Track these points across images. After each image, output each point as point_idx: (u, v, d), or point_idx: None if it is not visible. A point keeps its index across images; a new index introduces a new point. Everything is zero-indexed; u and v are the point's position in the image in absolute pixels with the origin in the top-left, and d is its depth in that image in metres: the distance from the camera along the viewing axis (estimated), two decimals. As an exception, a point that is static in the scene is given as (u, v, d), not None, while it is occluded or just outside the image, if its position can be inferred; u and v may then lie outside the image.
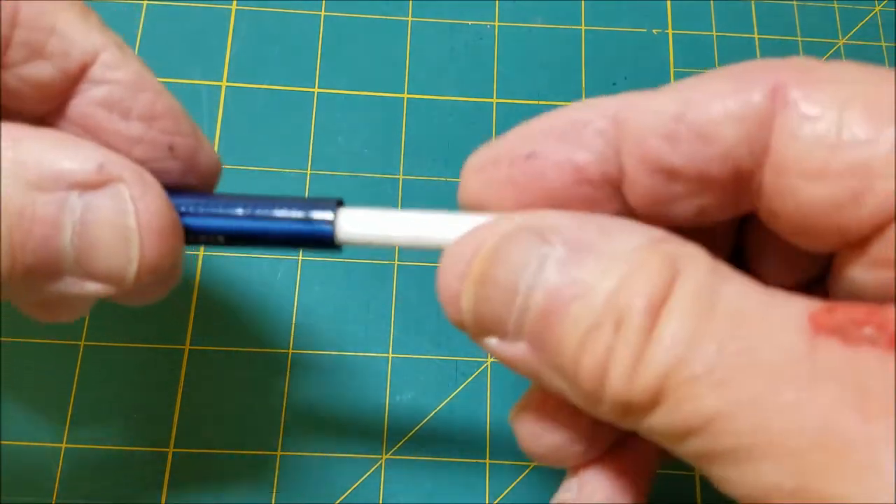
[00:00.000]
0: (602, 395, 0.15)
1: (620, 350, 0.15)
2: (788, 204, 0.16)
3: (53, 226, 0.18)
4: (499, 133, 0.35)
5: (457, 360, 0.32)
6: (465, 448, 0.30)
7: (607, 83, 0.37)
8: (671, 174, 0.17)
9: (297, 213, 0.20)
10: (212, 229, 0.20)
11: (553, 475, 0.30)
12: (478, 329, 0.17)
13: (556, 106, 0.36)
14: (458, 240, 0.18)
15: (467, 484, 0.30)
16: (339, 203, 0.20)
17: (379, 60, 0.36)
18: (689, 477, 0.30)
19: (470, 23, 0.37)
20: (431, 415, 0.31)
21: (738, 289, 0.15)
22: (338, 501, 0.30)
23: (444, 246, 0.19)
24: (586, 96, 0.36)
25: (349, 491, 0.30)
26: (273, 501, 0.29)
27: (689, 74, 0.37)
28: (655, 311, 0.15)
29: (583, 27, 0.38)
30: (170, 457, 0.30)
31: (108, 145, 0.19)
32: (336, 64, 0.36)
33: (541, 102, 0.36)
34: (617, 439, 0.21)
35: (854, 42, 0.38)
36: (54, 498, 0.29)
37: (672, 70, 0.37)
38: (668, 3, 0.38)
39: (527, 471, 0.30)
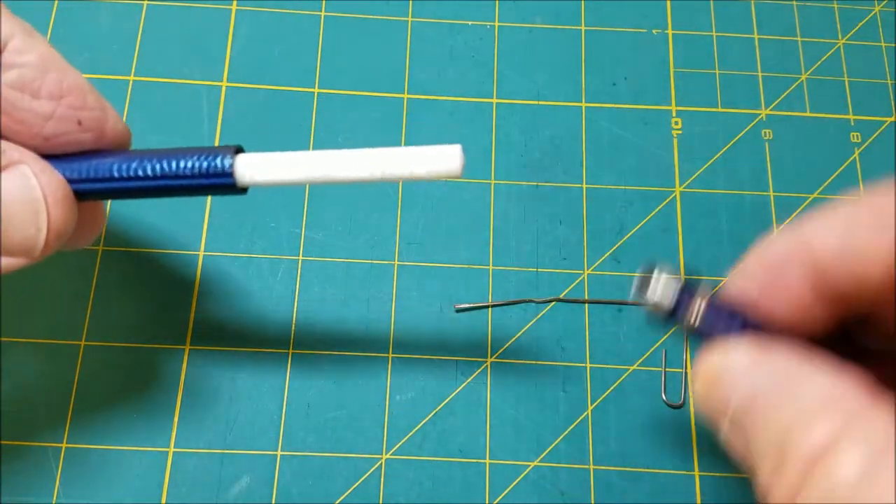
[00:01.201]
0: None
1: (785, 473, 0.17)
2: None
3: None
4: (499, 133, 0.35)
5: (456, 360, 0.32)
6: (465, 448, 0.30)
7: (607, 83, 0.37)
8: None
9: (200, 164, 0.22)
10: (104, 189, 0.23)
11: (553, 475, 0.30)
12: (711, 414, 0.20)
13: (555, 106, 0.36)
14: (713, 351, 0.20)
15: (467, 484, 0.30)
16: (239, 150, 0.23)
17: (379, 60, 0.36)
18: (689, 477, 0.30)
19: (470, 23, 0.37)
20: (431, 415, 0.31)
21: None
22: (338, 501, 0.30)
23: (336, 180, 0.22)
24: (586, 96, 0.36)
25: (349, 491, 0.30)
26: (273, 501, 0.29)
27: (688, 74, 0.37)
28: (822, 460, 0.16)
29: (583, 27, 0.38)
30: (170, 456, 0.30)
31: (21, 122, 0.22)
32: (336, 64, 0.36)
33: (541, 102, 0.36)
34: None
35: (854, 42, 0.38)
36: (54, 498, 0.29)
37: (672, 70, 0.37)
38: (668, 3, 0.38)
39: (526, 471, 0.30)
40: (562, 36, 0.37)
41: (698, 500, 0.30)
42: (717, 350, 0.20)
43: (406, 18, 0.37)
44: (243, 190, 0.23)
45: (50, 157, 0.23)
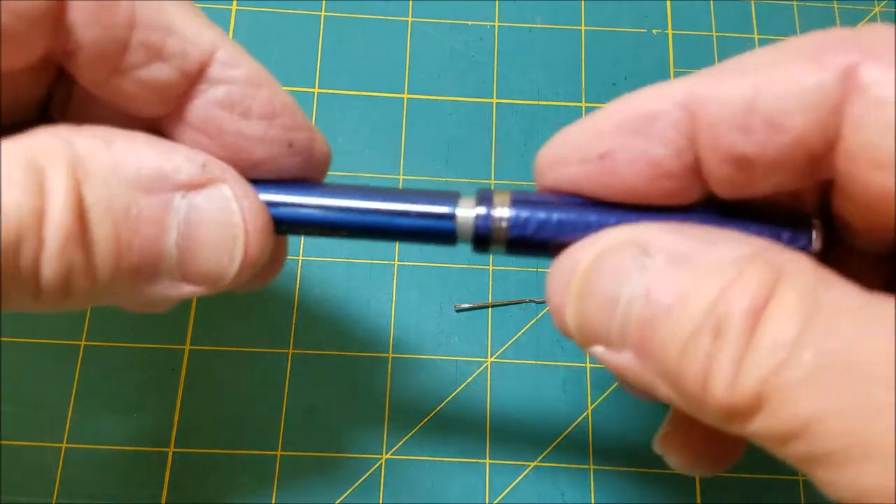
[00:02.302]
0: (705, 401, 0.15)
1: (720, 357, 0.15)
2: (859, 192, 0.16)
3: (160, 226, 0.18)
4: (499, 133, 0.35)
5: (457, 360, 0.32)
6: (465, 448, 0.30)
7: (607, 83, 0.36)
8: (746, 163, 0.17)
9: (421, 208, 0.20)
10: (308, 222, 0.20)
11: (553, 475, 0.30)
12: (583, 339, 0.18)
13: (556, 106, 0.36)
14: (563, 254, 0.18)
15: (467, 483, 0.30)
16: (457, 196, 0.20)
17: (379, 60, 0.36)
18: (689, 477, 0.30)
19: (470, 23, 0.37)
20: (431, 415, 0.31)
21: (840, 292, 0.15)
22: (338, 501, 0.30)
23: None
24: (586, 96, 0.36)
25: (349, 491, 0.30)
26: (273, 501, 0.29)
27: (688, 74, 0.37)
28: (756, 317, 0.15)
29: (583, 27, 0.38)
30: (170, 456, 0.30)
31: (229, 147, 0.19)
32: (336, 64, 0.36)
33: (541, 102, 0.36)
34: None
35: (854, 42, 0.38)
36: (54, 498, 0.29)
37: (672, 70, 0.37)
38: (668, 3, 0.38)
39: (527, 470, 0.30)
40: (562, 36, 0.37)
41: (698, 500, 0.30)
42: (580, 247, 0.18)
43: (406, 18, 0.37)
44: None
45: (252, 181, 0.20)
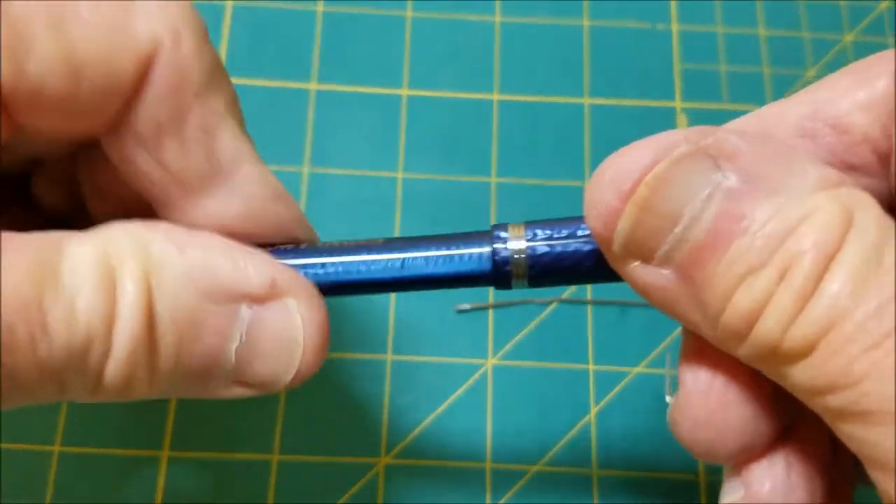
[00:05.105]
0: (747, 335, 0.15)
1: (782, 295, 0.15)
2: None
3: (223, 336, 0.18)
4: (500, 130, 0.35)
5: (457, 362, 0.31)
6: (466, 452, 0.30)
7: (610, 79, 0.36)
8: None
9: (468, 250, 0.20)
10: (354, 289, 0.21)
11: (554, 480, 0.30)
12: (625, 251, 0.17)
13: (557, 103, 0.36)
14: (625, 152, 0.17)
15: (467, 489, 0.30)
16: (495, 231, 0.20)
17: (378, 56, 0.36)
18: (693, 482, 0.30)
19: (471, 18, 0.37)
20: (431, 418, 0.31)
21: None
22: (336, 506, 0.29)
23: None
24: (589, 92, 0.36)
25: (347, 495, 0.29)
26: (270, 506, 0.29)
27: (692, 71, 0.37)
28: (825, 263, 0.14)
29: (585, 23, 0.37)
30: (164, 460, 0.29)
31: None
32: (334, 60, 0.36)
33: (543, 99, 0.36)
34: (781, 431, 0.19)
35: (860, 38, 0.38)
36: (48, 500, 0.29)
37: (675, 66, 0.37)
38: (672, -2, 0.38)
39: (528, 476, 0.30)
40: (564, 31, 0.37)
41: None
42: (642, 147, 0.16)
43: (405, 14, 0.37)
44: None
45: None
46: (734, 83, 0.36)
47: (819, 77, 0.36)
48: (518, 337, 0.32)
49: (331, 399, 0.31)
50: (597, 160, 0.34)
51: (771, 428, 0.18)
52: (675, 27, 0.37)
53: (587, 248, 0.18)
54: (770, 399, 0.18)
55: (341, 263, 0.21)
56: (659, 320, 0.32)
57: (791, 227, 0.15)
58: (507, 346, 0.32)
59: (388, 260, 0.20)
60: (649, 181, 0.16)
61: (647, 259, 0.17)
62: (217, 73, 0.20)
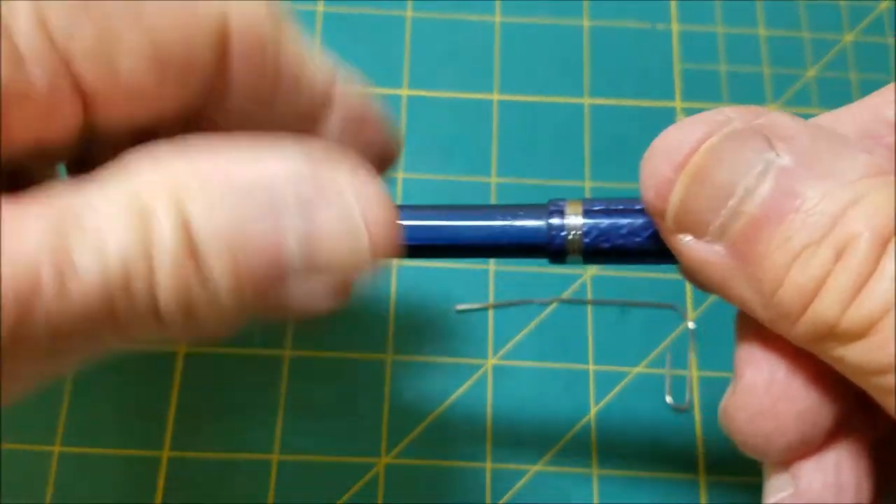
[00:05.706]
0: (802, 314, 0.15)
1: (841, 275, 0.15)
2: None
3: (273, 225, 0.16)
4: (500, 130, 0.35)
5: (457, 362, 0.31)
6: (466, 452, 0.30)
7: (610, 79, 0.36)
8: None
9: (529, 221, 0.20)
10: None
11: (555, 480, 0.30)
12: (677, 224, 0.17)
13: (556, 103, 0.36)
14: (680, 126, 0.17)
15: (468, 488, 0.30)
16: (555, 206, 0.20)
17: (378, 56, 0.36)
18: (693, 482, 0.30)
19: (471, 18, 0.37)
20: (431, 418, 0.31)
21: None
22: (336, 506, 0.29)
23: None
24: (589, 92, 0.36)
25: (347, 495, 0.29)
26: (270, 506, 0.29)
27: (692, 71, 0.37)
28: (882, 244, 0.14)
29: (585, 23, 0.37)
30: (165, 460, 0.29)
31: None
32: (333, 60, 0.36)
33: (543, 99, 0.36)
34: (836, 427, 0.19)
35: (860, 38, 0.38)
36: (47, 500, 0.29)
37: (675, 66, 0.37)
38: (672, -2, 0.38)
39: (529, 475, 0.30)
40: (564, 31, 0.37)
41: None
42: (696, 122, 0.17)
43: (405, 13, 0.37)
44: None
45: None
46: (734, 83, 0.37)
47: (819, 77, 0.37)
48: (518, 337, 0.32)
49: (331, 399, 0.31)
50: (597, 160, 0.35)
51: (829, 421, 0.18)
52: (675, 27, 0.37)
53: (641, 220, 0.19)
54: (829, 390, 0.18)
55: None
56: (659, 320, 0.32)
57: (843, 208, 0.15)
58: (507, 346, 0.32)
59: (441, 227, 0.20)
60: (703, 153, 0.16)
61: (700, 233, 0.17)
62: (279, 11, 0.19)
